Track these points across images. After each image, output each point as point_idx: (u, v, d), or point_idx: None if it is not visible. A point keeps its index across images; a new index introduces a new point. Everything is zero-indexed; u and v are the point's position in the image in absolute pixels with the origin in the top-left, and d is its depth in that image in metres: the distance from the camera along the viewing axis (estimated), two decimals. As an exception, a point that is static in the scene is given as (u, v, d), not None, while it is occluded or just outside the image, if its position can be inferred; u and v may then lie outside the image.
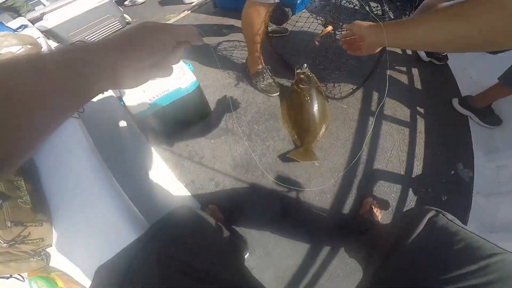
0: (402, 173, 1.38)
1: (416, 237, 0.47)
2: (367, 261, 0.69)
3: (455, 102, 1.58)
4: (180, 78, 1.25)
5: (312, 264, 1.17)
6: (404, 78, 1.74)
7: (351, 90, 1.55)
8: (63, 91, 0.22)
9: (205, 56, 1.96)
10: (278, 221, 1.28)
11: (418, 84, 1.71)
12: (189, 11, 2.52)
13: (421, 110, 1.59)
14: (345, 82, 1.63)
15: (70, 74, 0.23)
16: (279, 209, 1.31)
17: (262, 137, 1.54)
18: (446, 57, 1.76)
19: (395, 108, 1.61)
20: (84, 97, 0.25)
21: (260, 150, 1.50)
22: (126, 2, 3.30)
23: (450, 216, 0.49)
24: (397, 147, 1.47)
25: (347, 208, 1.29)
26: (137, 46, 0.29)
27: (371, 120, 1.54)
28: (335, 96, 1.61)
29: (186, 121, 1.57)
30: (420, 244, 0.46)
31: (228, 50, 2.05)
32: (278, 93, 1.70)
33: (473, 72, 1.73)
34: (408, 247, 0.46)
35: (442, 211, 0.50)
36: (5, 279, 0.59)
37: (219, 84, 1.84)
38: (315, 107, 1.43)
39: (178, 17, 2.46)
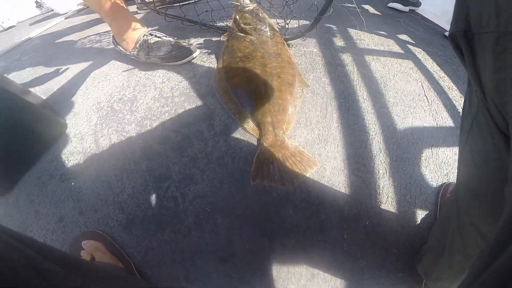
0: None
1: None
2: None
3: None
4: None
5: None
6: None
7: (311, 23, 0.85)
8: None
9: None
10: None
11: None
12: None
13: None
14: (298, 19, 0.94)
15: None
16: None
17: (175, 142, 0.69)
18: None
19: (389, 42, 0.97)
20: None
21: (178, 170, 0.64)
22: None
23: None
24: (426, 86, 0.81)
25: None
26: None
27: (370, 58, 0.87)
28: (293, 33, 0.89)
29: (18, 154, 0.65)
30: None
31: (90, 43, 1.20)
32: (195, 54, 0.89)
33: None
34: None
35: None
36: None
37: (84, 79, 0.95)
38: (275, 58, 0.72)
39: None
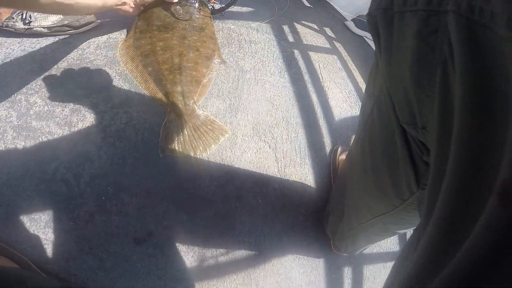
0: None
1: None
2: None
3: (351, 24, 1.27)
4: None
5: None
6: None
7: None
8: None
9: None
10: None
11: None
12: None
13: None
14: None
15: None
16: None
17: (61, 117, 0.58)
18: None
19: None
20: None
21: (66, 148, 0.55)
22: None
23: None
24: (322, 66, 0.95)
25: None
26: None
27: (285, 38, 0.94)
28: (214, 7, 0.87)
29: None
30: None
31: None
32: (95, 23, 0.75)
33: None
34: None
35: None
36: None
37: None
38: (197, 32, 0.75)
39: None
